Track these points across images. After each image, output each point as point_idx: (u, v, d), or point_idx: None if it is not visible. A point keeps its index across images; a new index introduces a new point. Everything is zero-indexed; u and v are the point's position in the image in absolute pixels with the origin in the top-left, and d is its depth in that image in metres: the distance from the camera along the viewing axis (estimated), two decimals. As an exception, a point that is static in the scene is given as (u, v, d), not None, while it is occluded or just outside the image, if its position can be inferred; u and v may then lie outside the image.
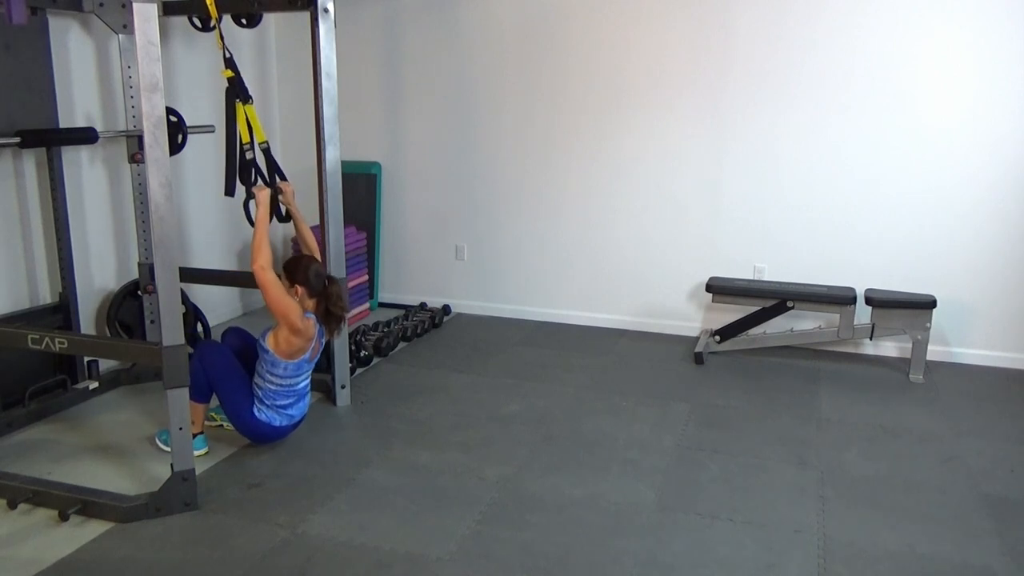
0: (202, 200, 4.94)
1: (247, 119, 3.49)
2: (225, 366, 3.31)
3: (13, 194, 3.72)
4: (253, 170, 3.50)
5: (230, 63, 3.40)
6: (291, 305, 3.19)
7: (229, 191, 3.51)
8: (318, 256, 3.58)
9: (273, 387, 3.27)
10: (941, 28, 4.27)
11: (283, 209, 3.58)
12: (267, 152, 3.54)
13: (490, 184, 5.29)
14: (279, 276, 3.28)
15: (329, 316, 3.36)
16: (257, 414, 3.28)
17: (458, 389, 4.13)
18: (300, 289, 3.30)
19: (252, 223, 3.37)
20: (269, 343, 3.24)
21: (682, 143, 4.83)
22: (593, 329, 5.19)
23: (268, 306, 3.21)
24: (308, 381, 3.42)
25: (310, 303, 3.33)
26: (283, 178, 3.60)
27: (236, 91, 3.41)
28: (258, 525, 2.81)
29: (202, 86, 4.75)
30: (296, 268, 3.33)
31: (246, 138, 3.44)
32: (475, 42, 5.11)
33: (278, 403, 3.30)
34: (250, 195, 3.43)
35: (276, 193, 3.47)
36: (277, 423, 3.32)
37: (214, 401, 3.59)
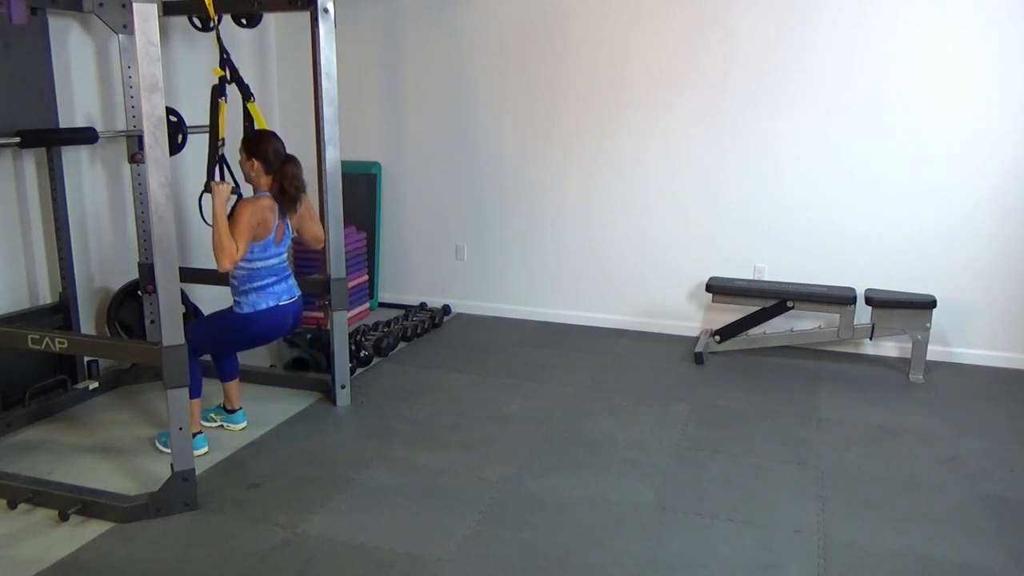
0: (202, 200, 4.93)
1: (249, 116, 3.51)
2: (198, 322, 3.39)
3: (13, 194, 3.72)
4: (218, 167, 3.49)
5: (226, 62, 3.42)
6: (249, 222, 3.13)
7: (209, 189, 3.47)
8: (321, 237, 3.57)
9: (244, 272, 3.25)
10: (941, 28, 4.27)
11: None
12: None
13: (490, 184, 5.29)
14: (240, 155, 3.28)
15: (283, 194, 3.28)
16: (239, 310, 3.28)
17: (458, 389, 4.13)
18: (256, 164, 3.26)
19: (205, 220, 3.36)
20: None
21: (682, 143, 4.83)
22: (593, 329, 5.19)
23: (236, 238, 3.10)
24: (285, 263, 3.39)
25: (266, 179, 3.28)
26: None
27: (222, 89, 3.45)
28: (258, 525, 2.81)
29: (202, 86, 4.71)
30: (258, 142, 3.28)
31: (222, 135, 3.46)
32: (475, 42, 5.12)
33: (255, 285, 3.27)
34: (207, 188, 3.36)
35: (238, 195, 3.41)
36: (263, 305, 3.29)
37: (214, 401, 3.60)
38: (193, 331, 3.28)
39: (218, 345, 3.43)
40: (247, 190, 3.42)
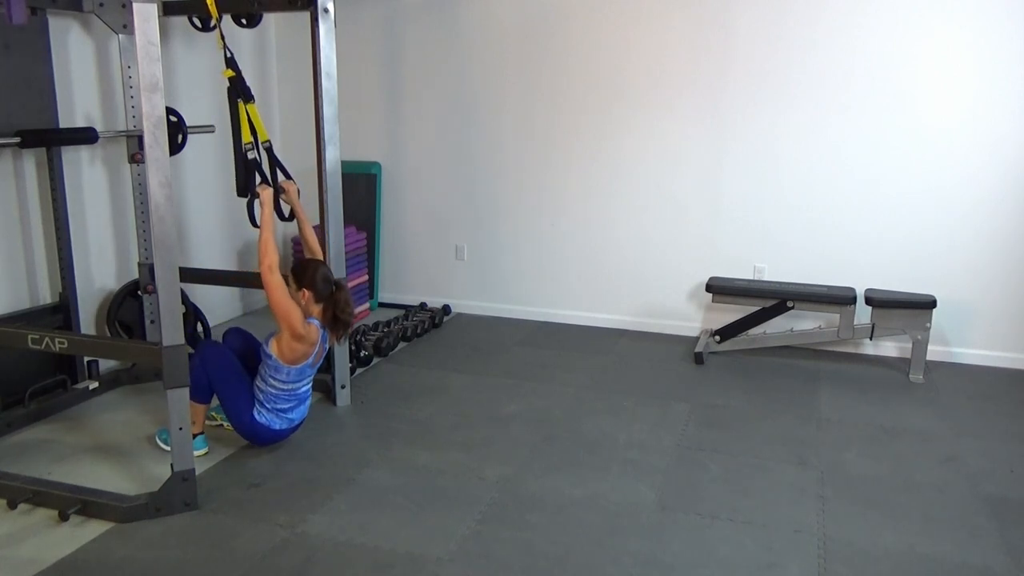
0: (202, 200, 4.94)
1: (249, 118, 3.48)
2: (226, 367, 3.31)
3: (13, 194, 3.72)
4: (256, 170, 3.49)
5: (231, 63, 3.40)
6: (294, 309, 3.18)
7: (241, 191, 3.47)
8: (320, 256, 3.58)
9: (275, 391, 3.27)
10: (941, 28, 4.27)
11: (284, 208, 3.57)
12: (270, 151, 3.54)
13: (490, 184, 5.29)
14: (286, 279, 3.27)
15: (336, 322, 3.33)
16: (257, 416, 3.27)
17: (458, 389, 4.13)
18: (307, 293, 3.28)
19: (255, 224, 3.36)
20: (272, 348, 3.23)
21: (682, 143, 4.83)
22: (593, 329, 5.19)
23: (272, 308, 3.20)
24: (309, 386, 3.41)
25: (316, 308, 3.31)
26: (288, 177, 3.60)
27: (236, 90, 3.41)
28: (258, 525, 2.81)
29: (202, 86, 4.75)
30: (304, 272, 3.31)
31: (248, 138, 3.43)
32: (475, 42, 5.12)
33: (279, 407, 3.30)
34: (255, 195, 3.41)
35: (278, 192, 3.45)
36: (277, 426, 3.31)
37: (215, 400, 3.60)
38: (214, 371, 3.27)
39: (221, 402, 3.37)
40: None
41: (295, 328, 3.16)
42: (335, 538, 2.73)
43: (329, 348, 3.56)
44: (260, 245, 3.20)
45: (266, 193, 3.31)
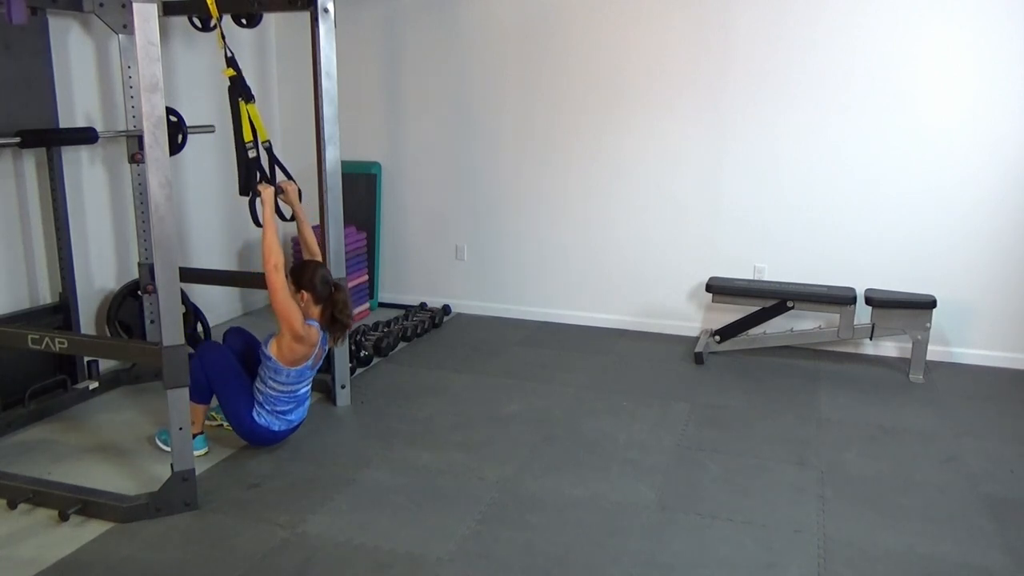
0: (202, 200, 4.94)
1: (249, 118, 3.48)
2: (225, 367, 3.31)
3: (13, 194, 3.72)
4: (257, 169, 3.49)
5: (232, 62, 3.40)
6: (295, 310, 3.18)
7: (243, 190, 3.46)
8: (319, 257, 3.57)
9: (274, 393, 3.27)
10: (941, 28, 4.27)
11: (285, 210, 3.56)
12: (269, 151, 3.54)
13: (490, 184, 5.29)
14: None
15: (334, 323, 3.33)
16: (256, 418, 3.27)
17: (458, 389, 4.13)
18: (306, 295, 3.28)
19: (257, 223, 3.36)
20: (272, 350, 3.23)
21: (682, 143, 4.83)
22: (593, 329, 5.19)
23: (273, 309, 3.20)
24: (309, 387, 3.41)
25: (315, 310, 3.31)
26: (288, 177, 3.59)
27: (237, 90, 3.41)
28: (258, 525, 2.81)
29: (202, 86, 4.75)
30: (303, 273, 3.31)
31: (248, 137, 3.43)
32: (475, 42, 5.12)
33: (278, 408, 3.30)
34: (256, 193, 3.40)
35: (278, 192, 3.45)
36: (276, 428, 3.31)
37: (215, 400, 3.59)
38: (213, 372, 3.27)
39: (220, 404, 3.37)
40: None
41: (296, 329, 3.16)
42: (335, 538, 2.73)
43: (329, 348, 3.56)
44: (264, 244, 3.20)
45: (267, 192, 3.30)
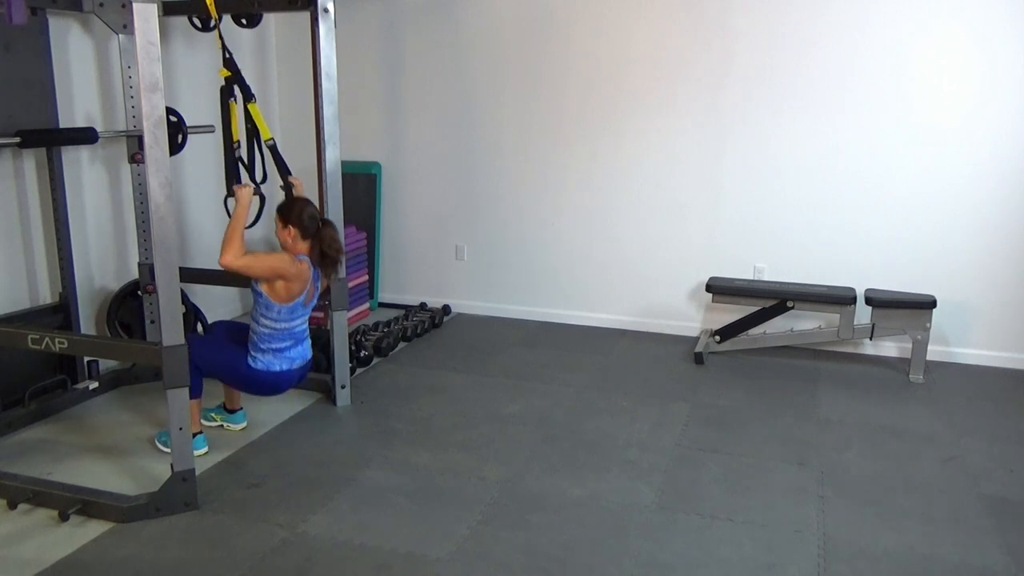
0: (202, 200, 4.94)
1: (250, 117, 3.51)
2: (210, 344, 3.34)
3: (13, 194, 3.72)
4: (237, 170, 3.51)
5: (230, 63, 3.41)
6: (276, 263, 3.15)
7: (232, 192, 3.48)
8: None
9: (268, 331, 3.24)
10: (941, 28, 4.27)
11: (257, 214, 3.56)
12: (273, 149, 3.55)
13: (490, 184, 5.29)
14: (277, 220, 3.26)
15: (324, 258, 3.29)
16: (253, 363, 3.26)
17: (458, 389, 4.13)
18: (293, 230, 3.25)
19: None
20: (263, 286, 3.20)
21: (682, 143, 4.82)
22: (593, 329, 5.19)
23: (261, 280, 3.17)
24: (306, 325, 3.39)
25: (303, 245, 3.27)
26: (288, 174, 3.61)
27: (231, 90, 3.44)
28: (258, 525, 2.81)
29: (202, 86, 4.75)
30: (291, 210, 3.27)
31: (236, 136, 3.46)
32: (475, 42, 5.11)
33: (274, 346, 3.27)
34: (230, 192, 3.39)
35: (260, 196, 3.43)
36: (277, 368, 3.29)
37: (215, 400, 3.60)
38: (201, 351, 3.27)
39: (220, 376, 3.40)
40: (266, 188, 3.42)
41: (285, 274, 3.15)
42: (335, 538, 2.73)
43: (326, 344, 3.56)
44: (226, 235, 3.08)
45: (243, 192, 3.23)
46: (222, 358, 3.31)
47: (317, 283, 3.37)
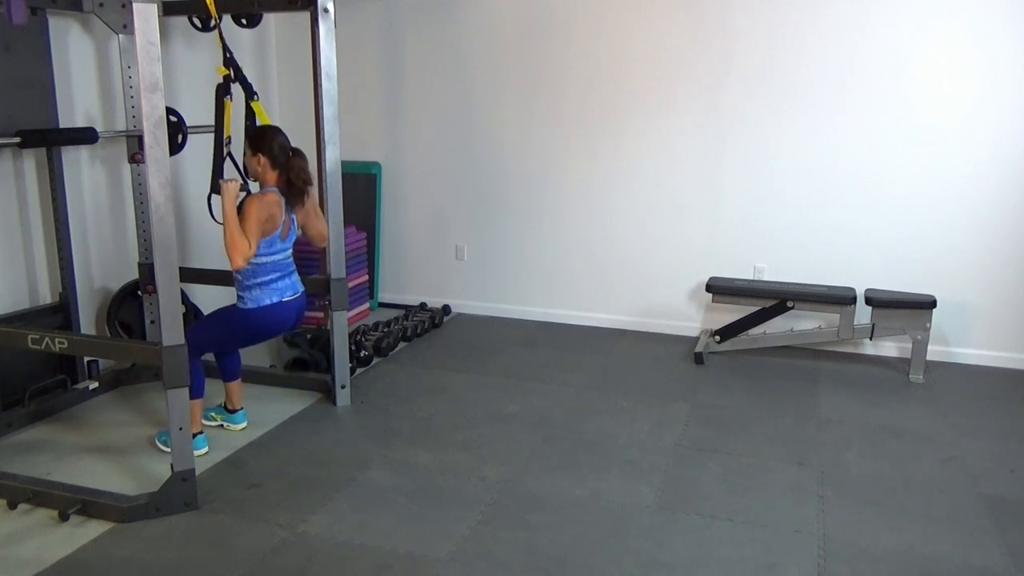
0: (202, 200, 4.91)
1: (252, 114, 3.51)
2: (198, 322, 3.40)
3: (13, 194, 3.72)
4: (222, 165, 3.52)
5: (230, 62, 3.42)
6: (258, 223, 3.13)
7: (215, 189, 3.47)
8: (324, 243, 3.60)
9: (249, 267, 3.23)
10: (942, 28, 4.27)
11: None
12: None
13: (490, 184, 5.29)
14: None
15: (291, 187, 3.27)
16: (243, 306, 3.27)
17: (458, 389, 4.13)
18: (263, 159, 3.25)
19: (215, 219, 3.34)
20: None
21: (682, 143, 4.82)
22: (593, 329, 5.19)
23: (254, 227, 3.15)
24: (290, 259, 3.39)
25: (272, 174, 3.27)
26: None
27: (228, 88, 3.46)
28: (258, 525, 2.81)
29: (202, 86, 4.74)
30: (262, 137, 3.26)
31: (228, 132, 3.47)
32: (475, 42, 5.12)
33: (259, 280, 3.26)
34: (215, 188, 3.38)
35: (247, 192, 3.40)
36: (267, 301, 3.28)
37: (215, 400, 3.60)
38: (196, 329, 3.30)
39: (221, 342, 3.42)
40: (255, 188, 3.42)
41: (265, 218, 3.15)
42: (335, 538, 2.73)
43: (326, 342, 3.56)
44: (226, 241, 3.08)
45: (228, 186, 3.20)
46: (213, 323, 3.34)
47: (293, 218, 3.35)
